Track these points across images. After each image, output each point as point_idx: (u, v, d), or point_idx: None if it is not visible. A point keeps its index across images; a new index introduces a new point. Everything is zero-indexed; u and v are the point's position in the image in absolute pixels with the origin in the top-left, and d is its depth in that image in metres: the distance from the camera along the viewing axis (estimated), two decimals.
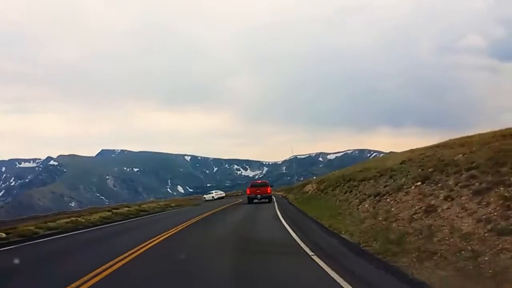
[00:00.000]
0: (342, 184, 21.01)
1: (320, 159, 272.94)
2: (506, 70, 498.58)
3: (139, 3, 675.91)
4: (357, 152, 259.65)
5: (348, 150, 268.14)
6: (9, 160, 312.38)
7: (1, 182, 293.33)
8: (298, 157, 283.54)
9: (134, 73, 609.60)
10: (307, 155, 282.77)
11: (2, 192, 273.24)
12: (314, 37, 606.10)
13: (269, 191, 32.75)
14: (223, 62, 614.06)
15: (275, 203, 27.27)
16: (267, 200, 31.86)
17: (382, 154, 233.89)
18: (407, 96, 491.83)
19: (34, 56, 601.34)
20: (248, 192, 33.72)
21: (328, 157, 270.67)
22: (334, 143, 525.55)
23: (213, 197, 56.23)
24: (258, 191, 32.83)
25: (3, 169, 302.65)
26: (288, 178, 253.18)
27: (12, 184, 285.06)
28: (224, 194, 63.59)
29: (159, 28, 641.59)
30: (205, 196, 58.76)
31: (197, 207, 34.67)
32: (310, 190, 27.63)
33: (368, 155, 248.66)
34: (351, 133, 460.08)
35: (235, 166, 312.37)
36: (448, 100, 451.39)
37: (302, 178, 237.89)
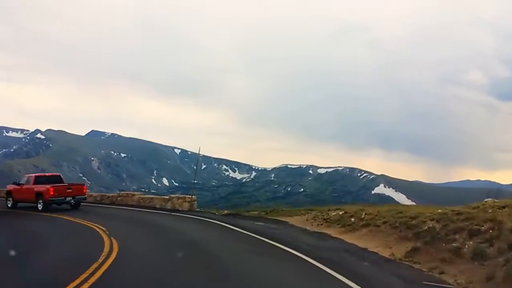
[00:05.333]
0: None
1: (310, 171, 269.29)
2: (503, 110, 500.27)
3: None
4: (347, 170, 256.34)
5: (339, 166, 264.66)
6: None
7: None
8: (289, 166, 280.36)
9: (130, 56, 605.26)
10: (297, 166, 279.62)
11: None
12: (315, 45, 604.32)
13: (85, 191, 24.43)
14: (222, 59, 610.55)
15: None
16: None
17: (372, 176, 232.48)
18: (401, 121, 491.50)
19: (29, 28, 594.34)
20: (52, 193, 22.32)
21: (319, 170, 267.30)
22: (324, 158, 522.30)
23: None
24: (69, 190, 23.15)
25: None
26: (276, 186, 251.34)
27: None
28: None
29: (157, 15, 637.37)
30: None
31: None
32: None
33: (359, 174, 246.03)
34: (342, 150, 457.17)
35: (224, 166, 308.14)
36: (441, 131, 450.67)
37: (289, 188, 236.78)
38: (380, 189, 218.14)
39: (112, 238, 12.97)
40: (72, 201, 23.23)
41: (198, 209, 24.36)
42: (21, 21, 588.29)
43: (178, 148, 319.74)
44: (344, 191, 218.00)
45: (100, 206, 27.06)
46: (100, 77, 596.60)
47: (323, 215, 17.45)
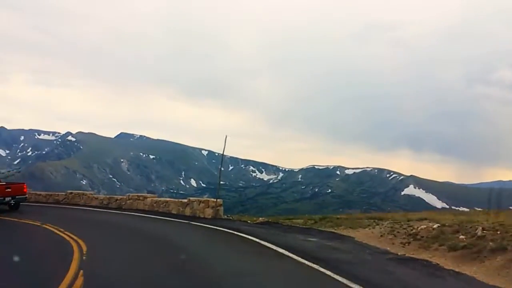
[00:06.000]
0: None
1: (338, 172, 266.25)
2: None
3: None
4: (376, 171, 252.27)
5: (367, 167, 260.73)
6: (29, 130, 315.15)
7: (18, 150, 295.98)
8: (316, 167, 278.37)
9: (158, 60, 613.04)
10: (324, 167, 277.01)
11: (18, 161, 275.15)
12: (341, 44, 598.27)
13: (25, 191, 22.24)
14: (248, 60, 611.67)
15: None
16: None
17: (401, 177, 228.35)
18: (430, 121, 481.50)
19: (63, 33, 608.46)
20: None
21: (346, 171, 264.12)
22: (352, 158, 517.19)
23: None
24: (8, 190, 21.10)
25: (22, 138, 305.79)
26: (303, 187, 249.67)
27: (29, 154, 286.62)
28: None
29: (185, 20, 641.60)
30: None
31: None
32: None
33: (388, 175, 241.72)
34: (370, 151, 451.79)
35: (251, 168, 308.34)
36: (472, 130, 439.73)
37: (316, 189, 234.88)
38: (410, 190, 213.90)
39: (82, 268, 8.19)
40: (12, 201, 21.21)
41: (225, 216, 19.42)
42: (59, 27, 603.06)
43: (205, 150, 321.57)
44: (373, 192, 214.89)
45: (102, 211, 22.43)
46: (130, 81, 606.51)
47: (405, 228, 12.03)
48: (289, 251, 10.33)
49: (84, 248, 10.36)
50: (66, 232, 13.12)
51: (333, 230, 14.12)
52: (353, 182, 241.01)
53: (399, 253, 10.23)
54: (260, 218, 18.65)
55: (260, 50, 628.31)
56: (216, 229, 15.23)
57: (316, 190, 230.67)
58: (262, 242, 11.88)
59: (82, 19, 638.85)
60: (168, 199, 23.21)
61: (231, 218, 19.37)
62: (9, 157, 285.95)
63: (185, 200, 21.28)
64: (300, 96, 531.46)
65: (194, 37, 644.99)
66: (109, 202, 24.94)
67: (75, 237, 12.04)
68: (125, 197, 24.55)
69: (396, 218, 14.16)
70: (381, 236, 12.15)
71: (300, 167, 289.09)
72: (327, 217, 17.02)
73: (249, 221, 18.03)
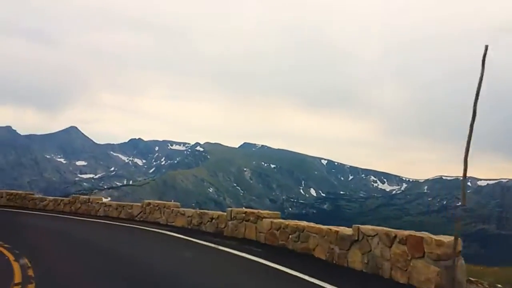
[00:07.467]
0: None
1: (469, 183, 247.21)
2: None
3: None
4: None
5: (502, 178, 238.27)
6: (162, 141, 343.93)
7: (153, 160, 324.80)
8: (443, 178, 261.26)
9: (279, 71, 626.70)
10: (453, 178, 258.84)
11: (152, 169, 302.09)
12: (468, 46, 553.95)
13: None
14: (370, 69, 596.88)
15: None
16: None
17: None
18: None
19: (190, 50, 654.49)
20: None
21: (478, 183, 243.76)
22: (485, 169, 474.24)
23: None
24: None
25: (156, 148, 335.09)
26: (430, 199, 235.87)
27: (163, 163, 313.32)
28: None
29: (308, 30, 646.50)
30: None
31: None
32: None
33: None
34: (505, 160, 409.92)
35: (372, 177, 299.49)
36: None
37: (444, 202, 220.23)
38: None
39: None
40: None
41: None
42: (193, 43, 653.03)
43: (325, 159, 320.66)
44: (509, 205, 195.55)
45: (197, 243, 13.20)
46: (252, 92, 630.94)
47: None
48: None
49: None
50: None
51: None
52: (486, 195, 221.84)
53: None
54: None
55: (383, 55, 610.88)
56: None
57: (444, 202, 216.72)
58: None
59: (207, 36, 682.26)
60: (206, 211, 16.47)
61: None
62: (145, 166, 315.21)
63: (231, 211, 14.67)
64: (427, 105, 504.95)
65: (314, 47, 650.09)
66: (201, 222, 16.05)
67: None
68: (225, 213, 15.04)
69: None
70: None
71: (426, 177, 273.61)
72: None
73: None
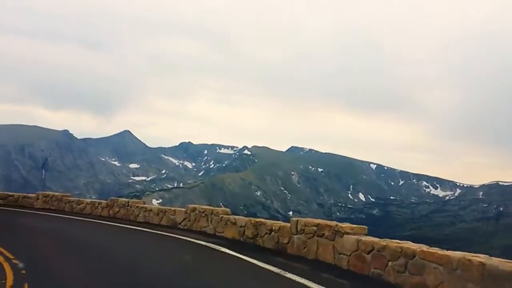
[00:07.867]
0: None
1: None
2: None
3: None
4: None
5: None
6: (211, 144, 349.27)
7: (203, 163, 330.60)
8: (500, 183, 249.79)
9: (326, 74, 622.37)
10: (511, 183, 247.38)
11: (202, 172, 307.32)
12: None
13: None
14: (422, 67, 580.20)
15: None
16: None
17: None
18: None
19: (241, 54, 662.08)
20: None
21: None
22: None
23: None
24: None
25: (205, 151, 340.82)
26: (485, 205, 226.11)
27: (211, 166, 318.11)
28: None
29: (351, 33, 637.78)
30: None
31: None
32: None
33: None
34: None
35: (424, 183, 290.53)
36: None
37: (501, 208, 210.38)
38: None
39: None
40: None
41: None
42: (240, 48, 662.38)
43: (374, 163, 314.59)
44: None
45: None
46: (300, 96, 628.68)
47: None
48: None
49: None
50: None
51: None
52: None
53: None
54: None
55: (435, 55, 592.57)
56: None
57: (501, 209, 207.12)
58: None
59: (256, 41, 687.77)
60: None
61: None
62: (195, 169, 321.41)
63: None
64: (484, 106, 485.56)
65: (363, 49, 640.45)
66: (256, 234, 12.85)
67: None
68: (288, 224, 11.78)
69: None
70: None
71: (481, 183, 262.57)
72: None
73: None
